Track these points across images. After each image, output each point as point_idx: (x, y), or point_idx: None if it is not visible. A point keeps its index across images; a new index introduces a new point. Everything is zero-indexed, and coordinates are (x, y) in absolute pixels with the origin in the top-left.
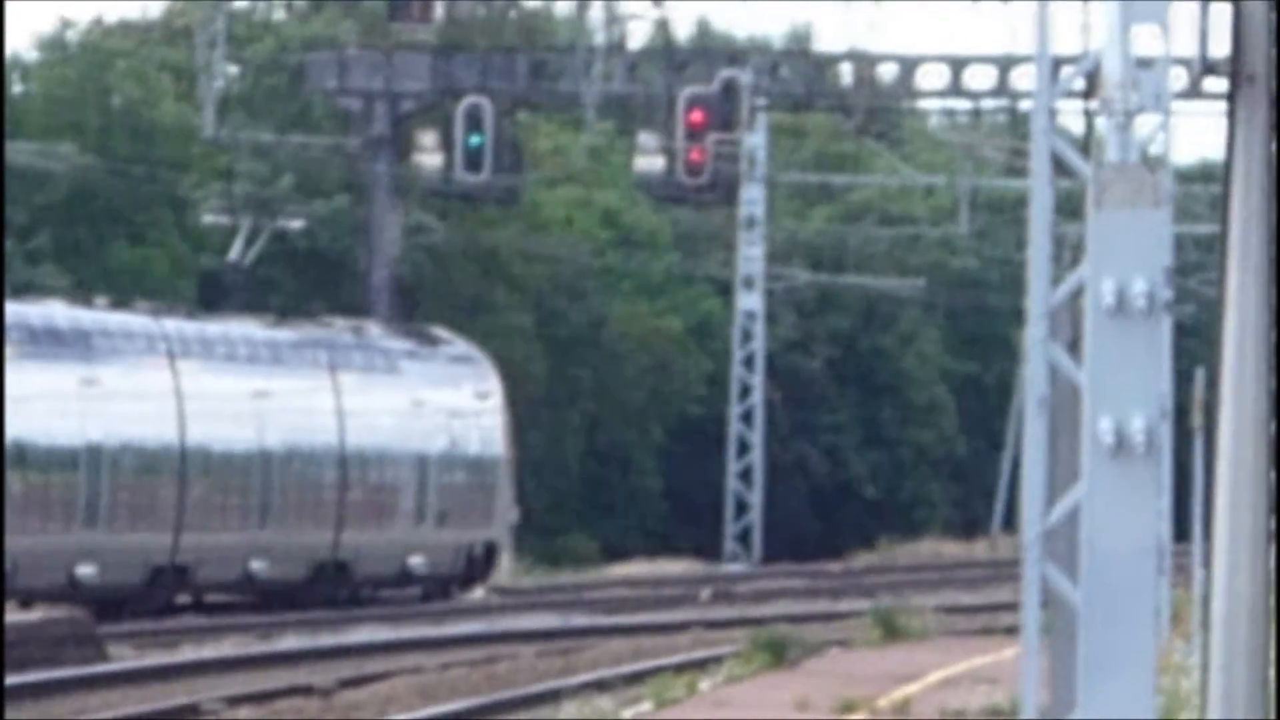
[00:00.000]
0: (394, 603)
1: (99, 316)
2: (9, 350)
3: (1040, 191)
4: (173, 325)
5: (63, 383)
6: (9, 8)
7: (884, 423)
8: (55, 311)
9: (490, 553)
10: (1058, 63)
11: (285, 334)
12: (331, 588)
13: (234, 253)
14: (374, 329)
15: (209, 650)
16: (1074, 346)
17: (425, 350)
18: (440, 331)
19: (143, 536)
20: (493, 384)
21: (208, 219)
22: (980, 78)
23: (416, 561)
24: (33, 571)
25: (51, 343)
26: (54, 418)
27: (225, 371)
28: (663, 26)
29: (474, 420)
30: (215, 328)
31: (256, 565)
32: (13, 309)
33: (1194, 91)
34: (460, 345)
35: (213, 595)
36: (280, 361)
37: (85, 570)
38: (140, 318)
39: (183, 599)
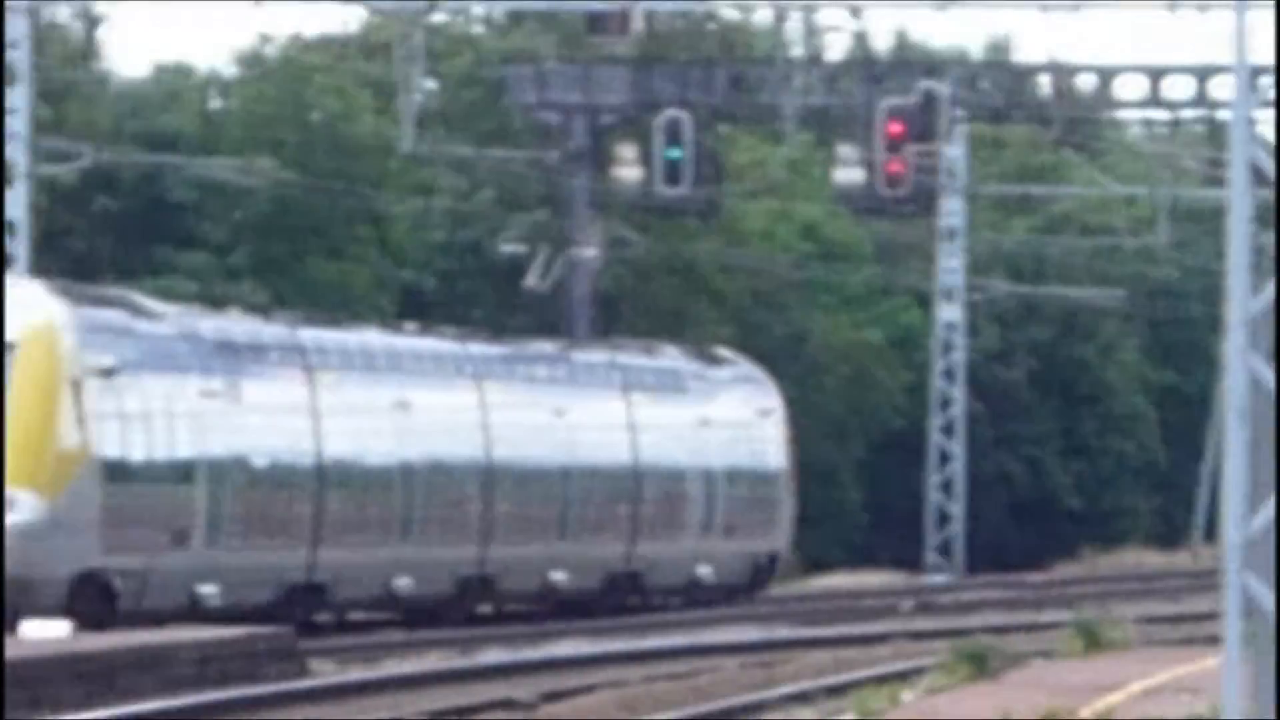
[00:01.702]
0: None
1: (411, 341)
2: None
3: (1239, 201)
4: (477, 349)
5: (378, 404)
6: (211, 26)
7: (1085, 433)
8: (370, 336)
9: (773, 562)
10: (1256, 72)
11: (580, 355)
12: (624, 597)
13: (531, 279)
14: (666, 349)
15: (410, 665)
16: (1274, 355)
17: (711, 370)
18: (724, 351)
19: (452, 550)
20: (774, 401)
21: (505, 248)
22: (1179, 87)
23: (705, 571)
24: (353, 584)
25: (367, 366)
26: (369, 438)
27: (526, 391)
28: (861, 38)
29: (758, 435)
30: (513, 350)
31: (556, 576)
32: (332, 334)
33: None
34: (744, 365)
35: (513, 605)
36: (576, 382)
37: (401, 582)
38: (447, 343)
39: (485, 608)
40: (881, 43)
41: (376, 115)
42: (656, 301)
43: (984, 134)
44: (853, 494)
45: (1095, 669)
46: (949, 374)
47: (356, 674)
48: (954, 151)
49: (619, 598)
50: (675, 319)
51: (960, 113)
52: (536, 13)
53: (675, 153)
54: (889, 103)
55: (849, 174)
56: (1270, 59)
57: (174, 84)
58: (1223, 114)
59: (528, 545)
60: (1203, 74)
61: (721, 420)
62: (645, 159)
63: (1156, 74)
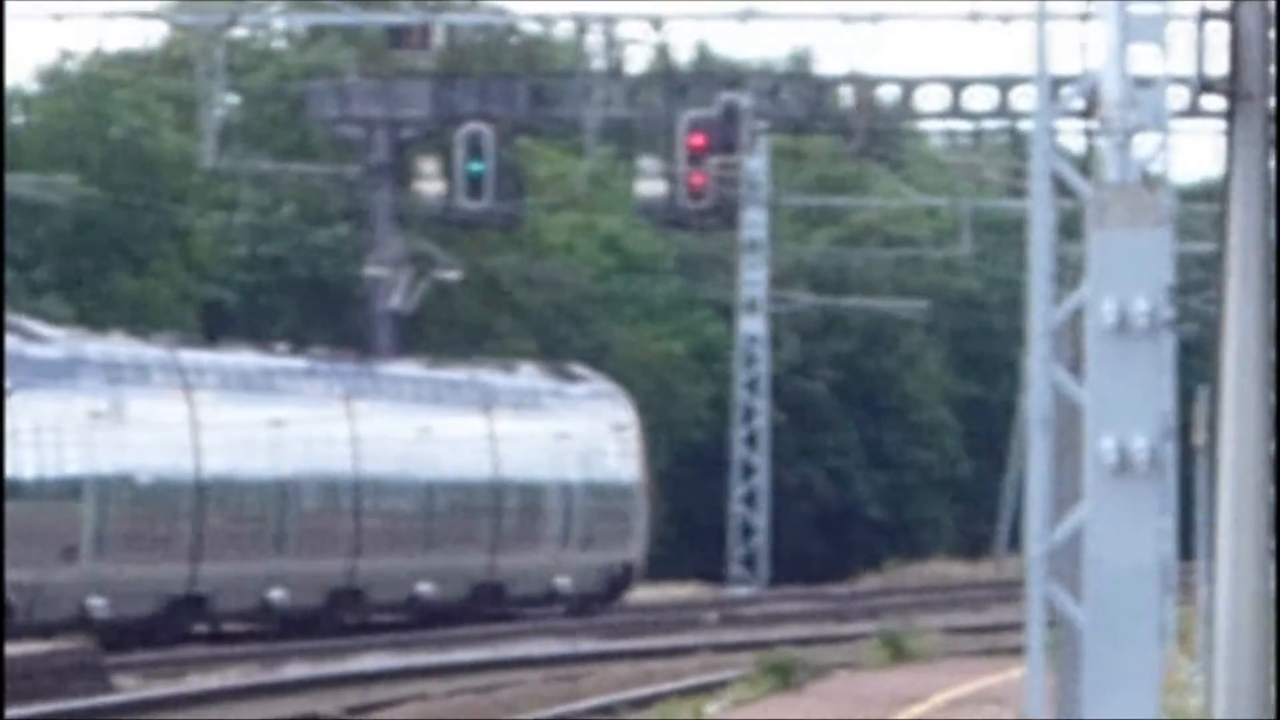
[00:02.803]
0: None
1: (282, 362)
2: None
3: (1041, 212)
4: (346, 368)
5: (254, 422)
6: (12, 41)
7: (888, 444)
8: (245, 358)
9: (629, 572)
10: (1057, 83)
11: (442, 374)
12: (486, 607)
13: (395, 300)
14: (523, 367)
15: (215, 679)
16: (1076, 366)
17: (567, 386)
18: (579, 369)
19: (324, 562)
20: (628, 416)
21: (370, 270)
22: (980, 98)
23: (562, 581)
24: (229, 595)
25: (242, 386)
26: (246, 455)
27: (393, 409)
28: (662, 50)
29: (613, 450)
30: (382, 369)
31: (422, 587)
32: (207, 356)
33: (1193, 110)
34: (599, 382)
35: (379, 616)
36: (440, 399)
37: (276, 593)
38: (316, 363)
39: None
40: (683, 55)
41: (178, 130)
42: (459, 315)
43: (786, 146)
44: (656, 506)
45: (900, 680)
46: (752, 386)
47: (160, 689)
48: (756, 163)
49: (480, 607)
50: (478, 333)
51: (762, 124)
52: (338, 27)
53: (477, 166)
54: (690, 115)
55: (651, 186)
56: (1069, 69)
57: None
58: (1024, 125)
59: (395, 558)
60: (1004, 85)
61: (578, 435)
62: (447, 173)
63: (958, 85)
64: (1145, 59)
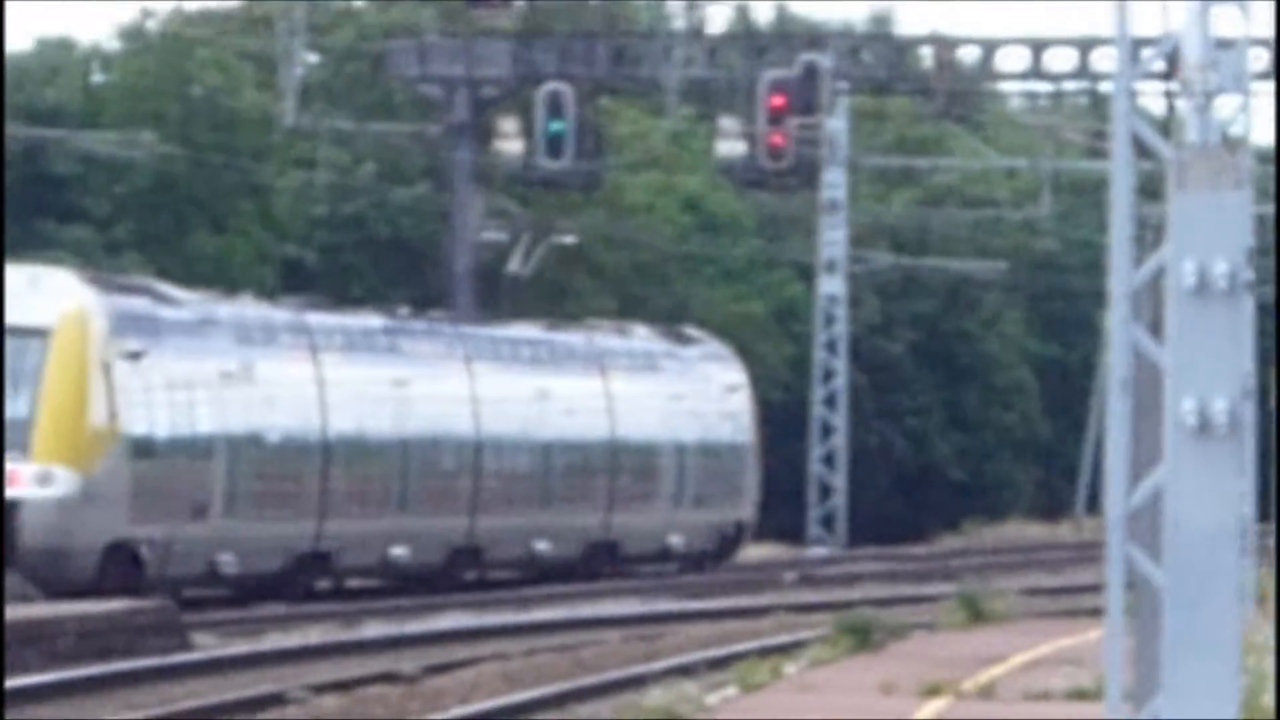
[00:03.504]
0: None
1: (406, 324)
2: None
3: (1121, 173)
4: (467, 329)
5: (377, 382)
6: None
7: (967, 406)
8: (369, 320)
9: (740, 530)
10: (1138, 44)
11: (559, 336)
12: (600, 563)
13: (513, 263)
14: (638, 329)
15: (294, 639)
16: (1156, 328)
17: (681, 348)
18: (693, 331)
19: (444, 520)
20: (740, 377)
21: (487, 235)
22: (1060, 60)
23: (675, 540)
24: (353, 552)
25: (367, 348)
26: (370, 416)
27: (514, 372)
28: (743, 11)
29: (726, 410)
30: (501, 332)
31: (539, 545)
32: (329, 318)
33: (1274, 72)
34: (712, 344)
35: (498, 572)
36: (558, 363)
37: (398, 551)
38: (438, 325)
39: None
40: (763, 16)
41: (258, 89)
42: (539, 274)
43: (866, 106)
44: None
45: (978, 641)
46: (831, 346)
47: (238, 648)
48: (836, 124)
49: (597, 563)
50: (558, 292)
51: (842, 85)
52: None
53: (557, 126)
54: (770, 75)
55: (731, 147)
56: (1150, 30)
57: (56, 58)
58: (1105, 86)
59: (513, 516)
60: (1084, 46)
61: (692, 396)
62: (527, 132)
63: (1038, 46)
64: (1226, 20)
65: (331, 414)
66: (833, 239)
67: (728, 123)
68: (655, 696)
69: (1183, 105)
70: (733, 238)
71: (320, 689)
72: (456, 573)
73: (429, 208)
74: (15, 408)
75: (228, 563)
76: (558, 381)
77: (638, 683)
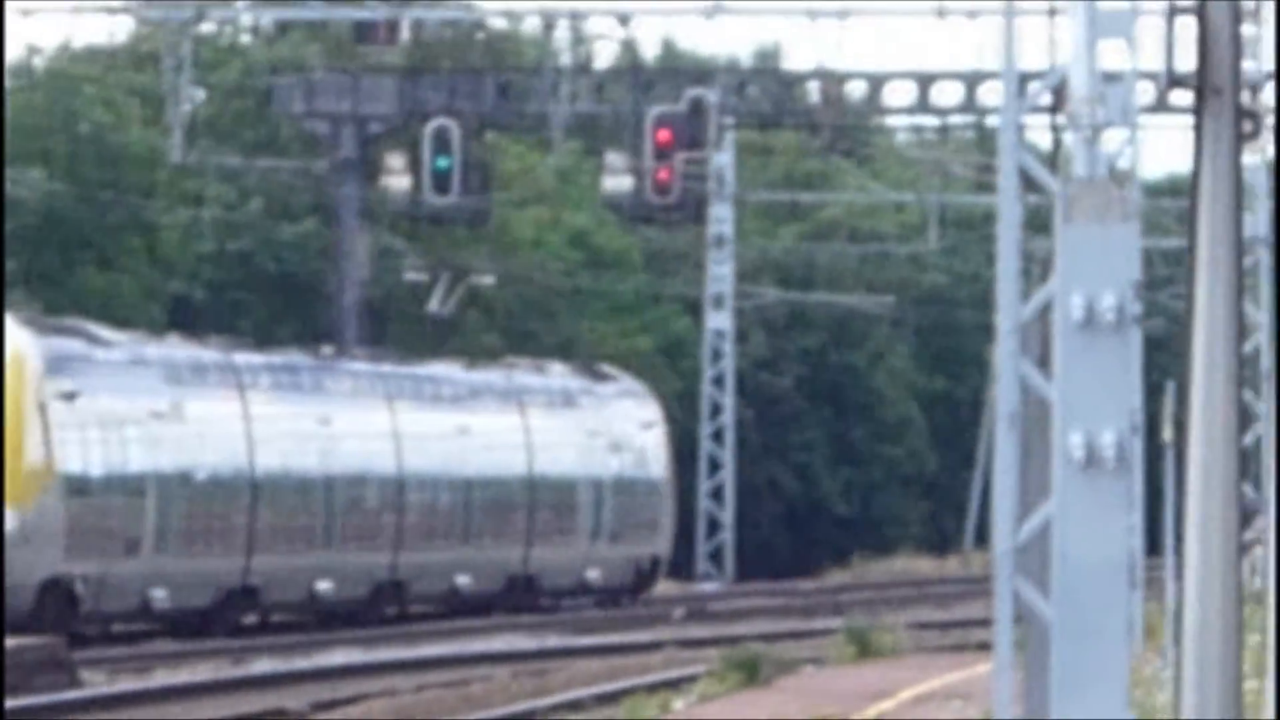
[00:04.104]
0: (369, 624)
1: (329, 363)
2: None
3: (1008, 207)
4: (389, 368)
5: (304, 419)
6: None
7: (855, 440)
8: (294, 358)
9: (656, 565)
10: (1025, 78)
11: (479, 375)
12: (520, 598)
13: (434, 303)
14: (555, 367)
15: (182, 675)
16: (1044, 361)
17: (598, 385)
18: (608, 368)
19: (368, 555)
20: (656, 414)
21: (409, 275)
22: (947, 94)
23: (593, 574)
24: (280, 587)
25: (292, 387)
26: (297, 452)
27: (432, 410)
28: (629, 46)
29: (641, 446)
30: (423, 370)
31: (461, 579)
32: (256, 357)
33: (1161, 105)
34: (627, 380)
35: (418, 606)
36: (478, 399)
37: (323, 585)
38: (361, 364)
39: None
40: (649, 51)
41: (145, 125)
42: (425, 310)
43: (753, 141)
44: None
45: (867, 675)
46: (718, 381)
47: (127, 684)
48: (723, 158)
49: (516, 598)
50: (446, 328)
51: (729, 119)
52: (304, 22)
53: (444, 162)
54: (657, 110)
55: (618, 182)
56: (1037, 64)
57: None
58: (991, 120)
59: (435, 551)
60: (971, 80)
61: (608, 433)
62: (414, 168)
63: (925, 80)
64: (1113, 54)
65: (259, 451)
66: (720, 274)
67: (614, 158)
68: None
69: (1070, 139)
70: (620, 273)
71: None
72: (380, 607)
73: (316, 244)
74: None
75: (160, 598)
76: (478, 418)
77: (528, 718)
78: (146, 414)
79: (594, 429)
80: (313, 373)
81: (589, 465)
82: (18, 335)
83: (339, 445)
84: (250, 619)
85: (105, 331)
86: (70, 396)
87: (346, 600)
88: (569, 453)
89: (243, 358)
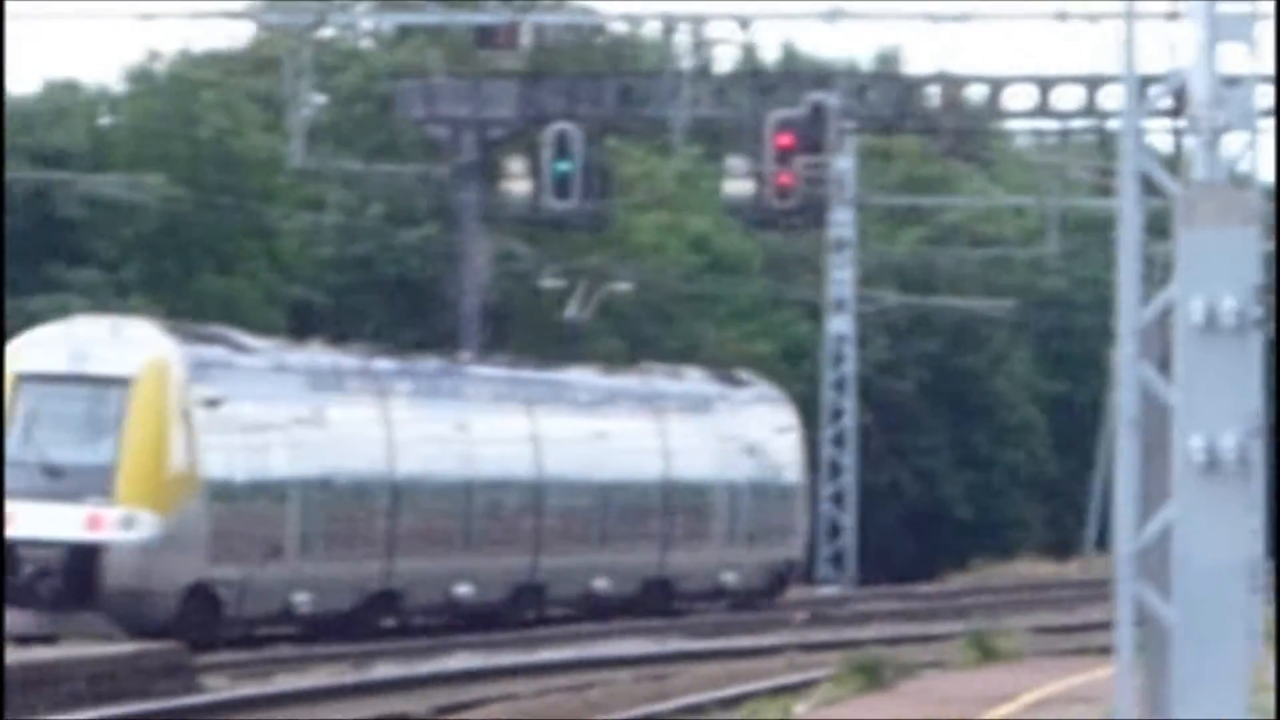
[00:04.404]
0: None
1: (468, 369)
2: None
3: (1129, 211)
4: (526, 374)
5: (443, 425)
6: (100, 42)
7: (976, 444)
8: (432, 365)
9: (791, 568)
10: (1145, 82)
11: (616, 380)
12: (658, 601)
13: (570, 310)
14: (690, 372)
15: (304, 680)
16: (1164, 365)
17: (733, 391)
18: (745, 374)
19: (508, 559)
20: (791, 419)
21: (546, 282)
22: (1068, 98)
23: (729, 578)
24: (420, 590)
25: (430, 393)
26: (436, 458)
27: (571, 414)
28: (749, 50)
29: (776, 452)
30: (561, 377)
31: (598, 583)
32: (395, 364)
33: (1276, 108)
34: (763, 386)
35: (556, 610)
36: (615, 404)
37: (463, 589)
38: (499, 370)
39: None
40: (770, 55)
41: (266, 130)
42: (546, 315)
43: (873, 145)
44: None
45: (988, 679)
46: (840, 385)
47: (249, 689)
48: (843, 163)
49: (654, 601)
50: (567, 332)
51: (849, 124)
52: (425, 27)
53: (564, 166)
54: (778, 114)
55: (738, 186)
56: (1157, 68)
57: (63, 100)
58: (1112, 124)
59: (573, 555)
60: (1091, 84)
61: (744, 438)
62: (534, 172)
63: (1045, 84)
64: (1233, 58)
65: (399, 457)
66: (840, 278)
67: (735, 162)
68: None
69: (1190, 142)
70: (741, 277)
71: None
72: (519, 610)
73: (436, 248)
74: (98, 453)
75: (302, 602)
76: (615, 423)
77: None
78: (289, 420)
79: (729, 434)
80: (451, 378)
81: (724, 470)
82: (160, 342)
83: (478, 450)
84: (390, 622)
85: (247, 338)
86: (214, 403)
87: (486, 604)
88: (704, 457)
89: (382, 364)
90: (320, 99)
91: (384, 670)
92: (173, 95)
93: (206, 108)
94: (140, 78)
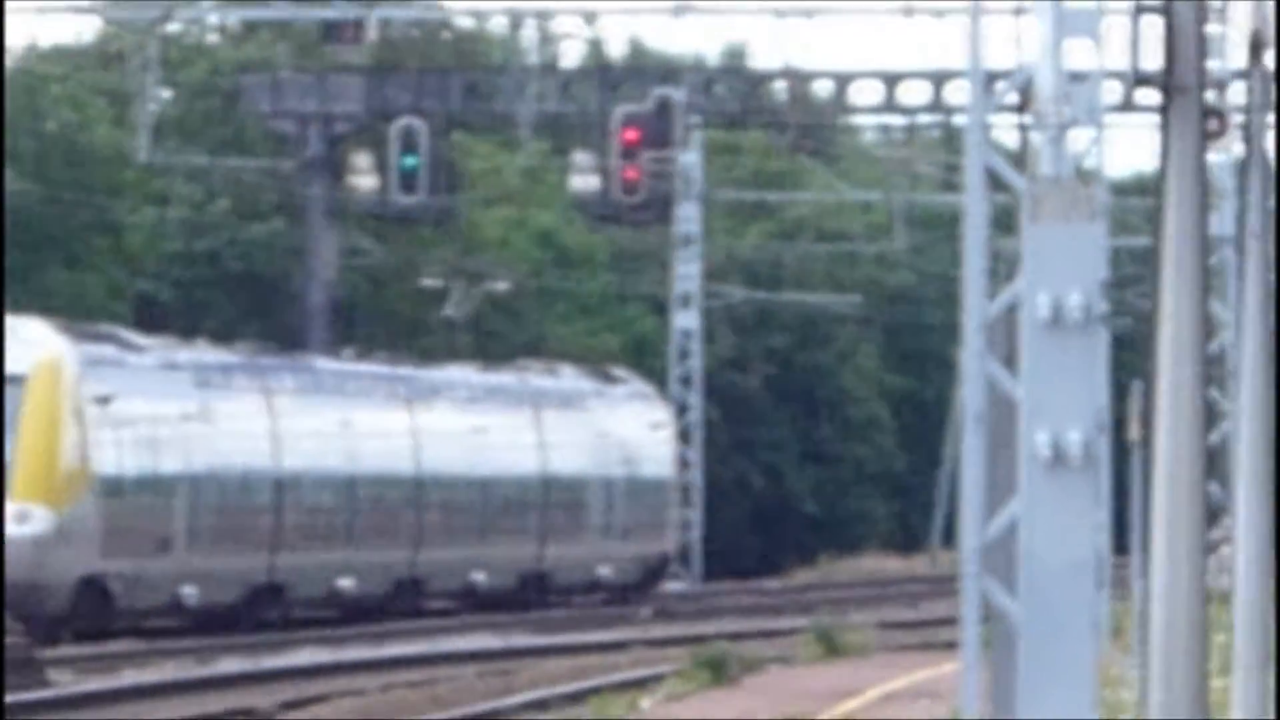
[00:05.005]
0: (318, 625)
1: (351, 367)
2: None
3: (975, 206)
4: (409, 373)
5: (325, 422)
6: None
7: (823, 439)
8: (318, 363)
9: (664, 562)
10: (991, 77)
11: (494, 377)
12: (535, 595)
13: (449, 308)
14: (566, 370)
15: (149, 674)
16: (1010, 361)
17: (608, 387)
18: (619, 371)
19: (390, 552)
20: (665, 416)
21: (426, 282)
22: (914, 93)
23: (604, 571)
24: (304, 584)
25: (315, 389)
26: (320, 454)
27: (450, 411)
28: (596, 45)
29: (649, 447)
30: (438, 374)
31: (477, 576)
32: (283, 362)
33: (1127, 104)
34: (636, 383)
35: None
36: (493, 401)
37: (345, 582)
38: (379, 366)
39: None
40: (616, 50)
41: (112, 125)
42: (393, 310)
43: (720, 140)
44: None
45: (834, 674)
46: (686, 381)
47: (95, 683)
48: (690, 158)
49: (530, 595)
50: (411, 327)
51: (696, 119)
52: (271, 22)
53: (410, 161)
54: (624, 109)
55: (585, 181)
56: (1003, 63)
57: None
58: (958, 119)
59: (453, 548)
60: (938, 79)
61: (618, 434)
62: (381, 167)
63: (892, 79)
64: (1079, 53)
65: (284, 452)
66: (687, 273)
67: (581, 157)
68: None
69: (1036, 138)
70: (587, 272)
71: None
72: (398, 603)
73: (283, 243)
74: None
75: (190, 594)
76: (493, 419)
77: (494, 717)
78: (177, 416)
79: (604, 430)
80: (334, 376)
81: (600, 465)
82: (53, 341)
83: (360, 446)
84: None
85: (137, 337)
86: (105, 400)
87: (367, 596)
88: (580, 453)
89: (268, 361)
90: (166, 94)
91: (229, 665)
92: (19, 89)
93: (53, 102)
94: None
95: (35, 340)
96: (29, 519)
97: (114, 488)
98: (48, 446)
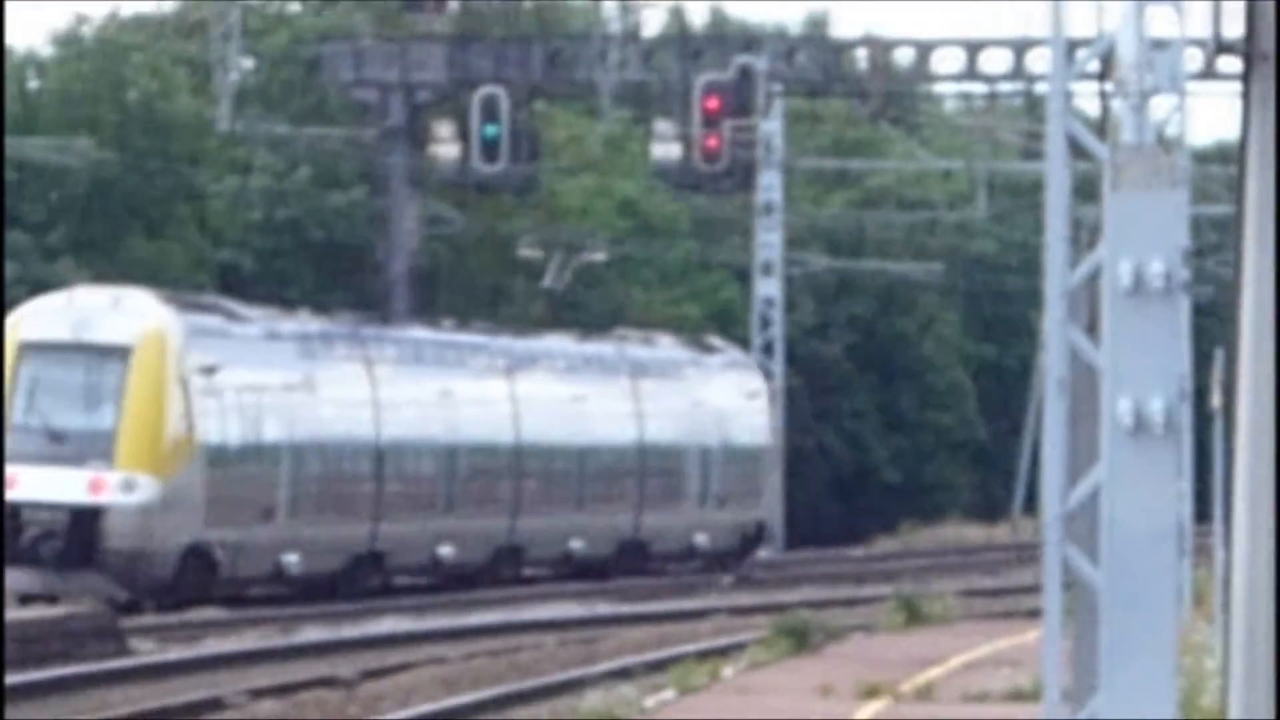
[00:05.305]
0: (418, 592)
1: (452, 338)
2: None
3: (1057, 174)
4: (508, 343)
5: (426, 392)
6: (25, 5)
7: (904, 407)
8: (417, 333)
9: (761, 530)
10: (1073, 45)
11: (592, 347)
12: (632, 562)
13: (548, 279)
14: (662, 339)
15: (231, 643)
16: (1092, 328)
17: (704, 357)
18: (715, 341)
19: (489, 521)
20: (760, 384)
21: (524, 252)
22: (996, 61)
23: (701, 539)
24: (404, 552)
25: (415, 359)
26: (422, 423)
27: (549, 380)
28: (678, 14)
29: (746, 415)
30: (536, 344)
31: (574, 544)
32: (385, 332)
33: (1209, 72)
34: (733, 352)
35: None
36: (590, 370)
37: (445, 550)
38: (479, 336)
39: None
40: (698, 18)
41: (193, 94)
42: (474, 278)
43: (801, 108)
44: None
45: (916, 642)
46: (767, 349)
47: (176, 653)
48: (771, 126)
49: (629, 563)
50: (493, 295)
51: (777, 87)
52: None
53: (492, 130)
54: (706, 78)
55: (666, 150)
56: (1085, 31)
57: None
58: (1040, 87)
59: (551, 517)
60: (1019, 47)
61: (715, 403)
62: (462, 136)
63: (973, 48)
64: (1161, 21)
65: (385, 422)
66: (768, 241)
67: (663, 126)
68: (593, 700)
69: (1118, 106)
70: (668, 241)
71: (258, 694)
72: (498, 570)
73: (364, 212)
74: (99, 419)
75: (292, 563)
76: (591, 389)
77: (575, 686)
78: (280, 386)
79: (701, 399)
80: (434, 345)
81: (696, 434)
82: (159, 311)
83: (460, 415)
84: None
85: (241, 307)
86: (210, 370)
87: (466, 564)
88: (677, 422)
89: (370, 331)
90: (248, 63)
91: (311, 634)
92: (101, 59)
93: (134, 71)
94: (68, 42)
95: (141, 311)
96: (135, 488)
97: (218, 457)
98: (154, 416)
